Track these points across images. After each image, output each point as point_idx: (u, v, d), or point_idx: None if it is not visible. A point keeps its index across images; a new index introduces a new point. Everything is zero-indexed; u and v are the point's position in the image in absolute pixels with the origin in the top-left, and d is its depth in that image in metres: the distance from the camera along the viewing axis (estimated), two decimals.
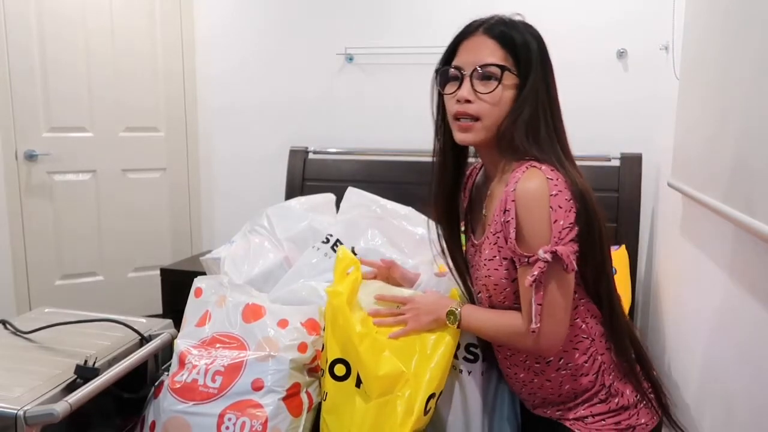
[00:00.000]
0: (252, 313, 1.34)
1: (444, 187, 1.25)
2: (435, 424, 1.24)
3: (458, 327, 1.17)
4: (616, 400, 1.14)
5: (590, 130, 2.46)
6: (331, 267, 1.34)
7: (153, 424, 1.26)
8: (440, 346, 1.18)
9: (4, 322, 1.45)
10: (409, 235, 1.81)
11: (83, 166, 3.10)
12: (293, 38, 3.15)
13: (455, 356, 1.21)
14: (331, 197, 2.21)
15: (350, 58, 3.07)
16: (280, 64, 3.19)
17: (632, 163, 2.52)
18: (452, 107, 1.13)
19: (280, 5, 3.16)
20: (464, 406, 1.24)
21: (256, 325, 1.31)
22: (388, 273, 1.40)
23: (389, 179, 2.91)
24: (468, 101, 1.10)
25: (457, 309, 1.17)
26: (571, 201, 1.04)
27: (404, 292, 1.31)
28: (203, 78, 3.32)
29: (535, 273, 1.01)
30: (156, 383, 1.34)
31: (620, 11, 2.65)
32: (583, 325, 1.14)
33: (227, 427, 1.19)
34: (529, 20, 1.17)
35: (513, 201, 1.04)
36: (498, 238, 1.11)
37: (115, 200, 3.19)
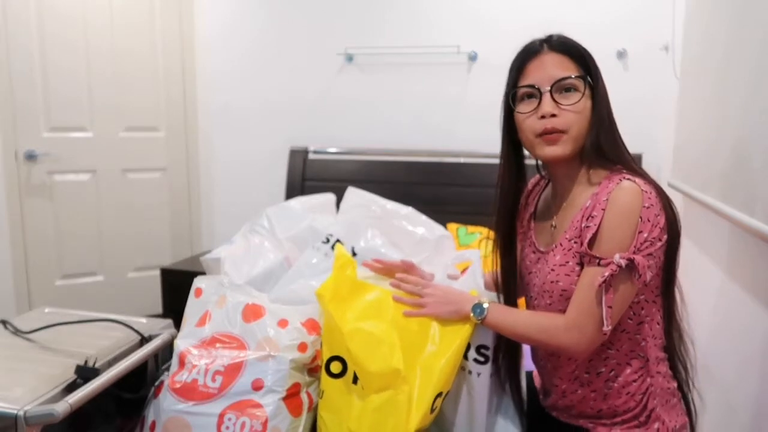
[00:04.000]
0: (252, 313, 1.33)
1: (506, 202, 1.25)
2: (439, 423, 1.24)
3: (482, 321, 1.16)
4: (656, 426, 1.14)
5: None
6: (331, 267, 1.35)
7: (153, 424, 1.26)
8: (455, 339, 1.17)
9: (4, 322, 1.44)
10: (409, 235, 1.81)
11: (83, 166, 3.10)
12: (293, 38, 3.15)
13: (465, 357, 1.21)
14: (331, 197, 2.21)
15: (350, 58, 3.07)
16: (280, 64, 3.19)
17: None
18: (536, 125, 1.13)
19: (280, 5, 3.16)
20: (470, 407, 1.24)
21: (256, 324, 1.30)
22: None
23: (389, 179, 2.92)
24: (553, 115, 1.11)
25: (485, 302, 1.17)
26: (659, 217, 1.05)
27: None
28: (203, 78, 3.32)
29: (606, 274, 1.01)
30: (156, 383, 1.34)
31: (620, 11, 2.65)
32: (643, 343, 1.14)
33: (227, 427, 1.19)
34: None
35: (603, 209, 1.05)
36: (574, 243, 1.11)
37: (115, 200, 3.19)
